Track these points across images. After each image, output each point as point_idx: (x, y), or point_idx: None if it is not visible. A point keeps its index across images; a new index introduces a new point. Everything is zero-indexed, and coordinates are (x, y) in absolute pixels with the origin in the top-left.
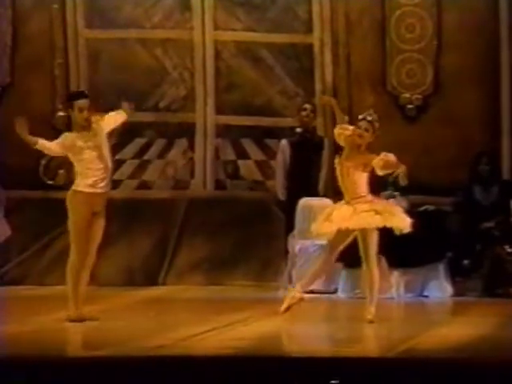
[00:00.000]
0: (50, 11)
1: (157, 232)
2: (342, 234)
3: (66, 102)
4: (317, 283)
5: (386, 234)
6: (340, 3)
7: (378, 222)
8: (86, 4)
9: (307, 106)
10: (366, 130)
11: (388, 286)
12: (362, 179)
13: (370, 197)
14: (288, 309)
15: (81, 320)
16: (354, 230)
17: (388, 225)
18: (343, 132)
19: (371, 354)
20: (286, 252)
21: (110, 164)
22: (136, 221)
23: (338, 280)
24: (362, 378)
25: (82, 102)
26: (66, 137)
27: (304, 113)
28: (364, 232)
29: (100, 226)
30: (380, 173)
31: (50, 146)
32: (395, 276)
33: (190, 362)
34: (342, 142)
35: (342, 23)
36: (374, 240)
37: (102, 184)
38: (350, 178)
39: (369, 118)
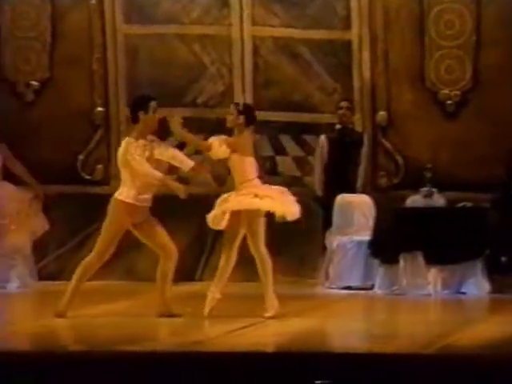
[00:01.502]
0: (88, 7)
1: (194, 228)
2: (232, 224)
3: (137, 106)
4: (354, 279)
5: (423, 230)
6: None
7: (255, 204)
8: None
9: (343, 103)
10: (230, 113)
11: (425, 283)
12: (241, 164)
13: (256, 181)
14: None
15: (63, 316)
16: (239, 218)
17: (266, 209)
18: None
19: (408, 350)
20: (324, 248)
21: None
22: (173, 217)
23: (374, 276)
24: (399, 375)
25: (155, 103)
26: (136, 145)
27: (341, 111)
28: (249, 219)
29: (154, 228)
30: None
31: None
32: (432, 273)
33: (227, 357)
34: (222, 154)
35: (381, 19)
36: (259, 227)
37: (147, 197)
38: (232, 165)
39: (239, 102)
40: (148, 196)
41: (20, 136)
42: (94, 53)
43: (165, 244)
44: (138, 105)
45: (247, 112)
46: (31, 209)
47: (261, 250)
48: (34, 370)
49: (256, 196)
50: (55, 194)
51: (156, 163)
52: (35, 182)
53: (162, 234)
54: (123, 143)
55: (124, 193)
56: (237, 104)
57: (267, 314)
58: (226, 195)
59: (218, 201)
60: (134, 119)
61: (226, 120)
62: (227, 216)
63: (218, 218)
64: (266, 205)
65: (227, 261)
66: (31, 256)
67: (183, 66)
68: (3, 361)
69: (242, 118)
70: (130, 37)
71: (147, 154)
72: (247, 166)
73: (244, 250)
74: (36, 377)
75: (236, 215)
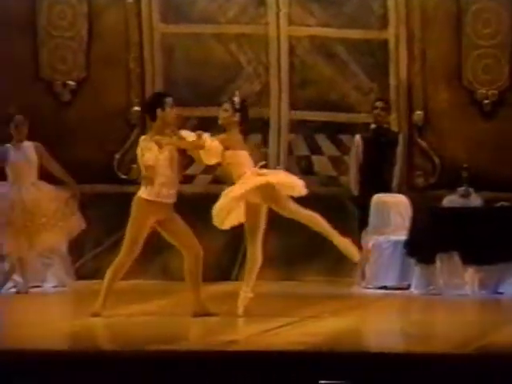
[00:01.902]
0: (125, 6)
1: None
2: (250, 218)
3: (154, 104)
4: (390, 279)
5: (460, 230)
6: None
7: (261, 180)
8: None
9: (378, 103)
10: (225, 110)
11: (462, 283)
12: (236, 158)
13: (254, 170)
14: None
15: (99, 315)
16: (256, 208)
17: (274, 181)
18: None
19: (444, 350)
20: (360, 248)
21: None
22: (209, 216)
23: (411, 276)
24: (435, 375)
25: (171, 99)
26: (148, 140)
27: (375, 111)
28: (266, 197)
29: (177, 225)
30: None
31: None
32: (469, 273)
33: (262, 357)
34: (215, 153)
35: (418, 18)
36: (279, 196)
37: (170, 193)
38: (228, 161)
39: (235, 99)
40: (171, 192)
41: (57, 136)
42: (131, 52)
43: (187, 241)
44: (155, 103)
45: (243, 110)
46: (68, 208)
47: (298, 211)
48: (70, 369)
49: (259, 175)
50: (92, 193)
51: (170, 160)
52: (72, 182)
53: (185, 231)
54: (139, 142)
55: (146, 190)
56: (232, 101)
57: (354, 260)
58: (226, 190)
59: (222, 195)
60: (152, 117)
61: (219, 117)
62: (242, 209)
63: (228, 210)
64: (272, 178)
65: (252, 258)
66: (68, 255)
67: (219, 66)
68: (40, 360)
69: (237, 116)
70: (166, 36)
71: (166, 153)
72: (242, 159)
73: (276, 250)
74: (72, 376)
75: (251, 208)
